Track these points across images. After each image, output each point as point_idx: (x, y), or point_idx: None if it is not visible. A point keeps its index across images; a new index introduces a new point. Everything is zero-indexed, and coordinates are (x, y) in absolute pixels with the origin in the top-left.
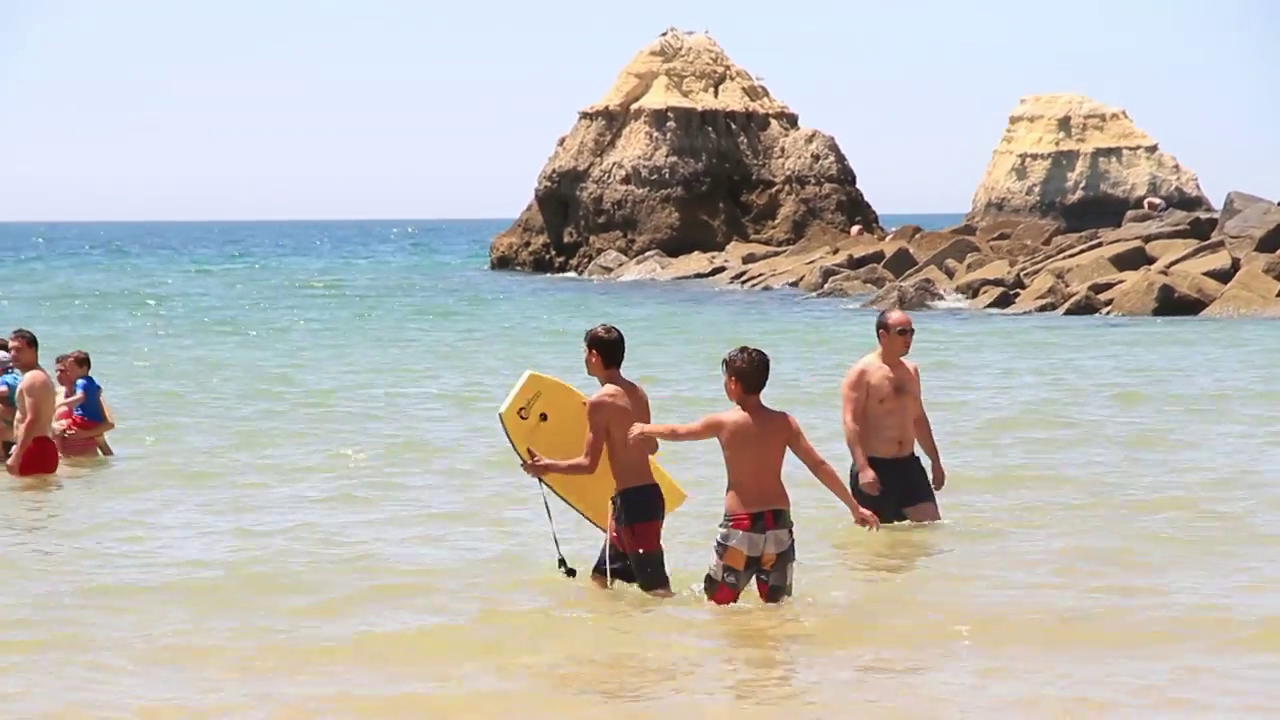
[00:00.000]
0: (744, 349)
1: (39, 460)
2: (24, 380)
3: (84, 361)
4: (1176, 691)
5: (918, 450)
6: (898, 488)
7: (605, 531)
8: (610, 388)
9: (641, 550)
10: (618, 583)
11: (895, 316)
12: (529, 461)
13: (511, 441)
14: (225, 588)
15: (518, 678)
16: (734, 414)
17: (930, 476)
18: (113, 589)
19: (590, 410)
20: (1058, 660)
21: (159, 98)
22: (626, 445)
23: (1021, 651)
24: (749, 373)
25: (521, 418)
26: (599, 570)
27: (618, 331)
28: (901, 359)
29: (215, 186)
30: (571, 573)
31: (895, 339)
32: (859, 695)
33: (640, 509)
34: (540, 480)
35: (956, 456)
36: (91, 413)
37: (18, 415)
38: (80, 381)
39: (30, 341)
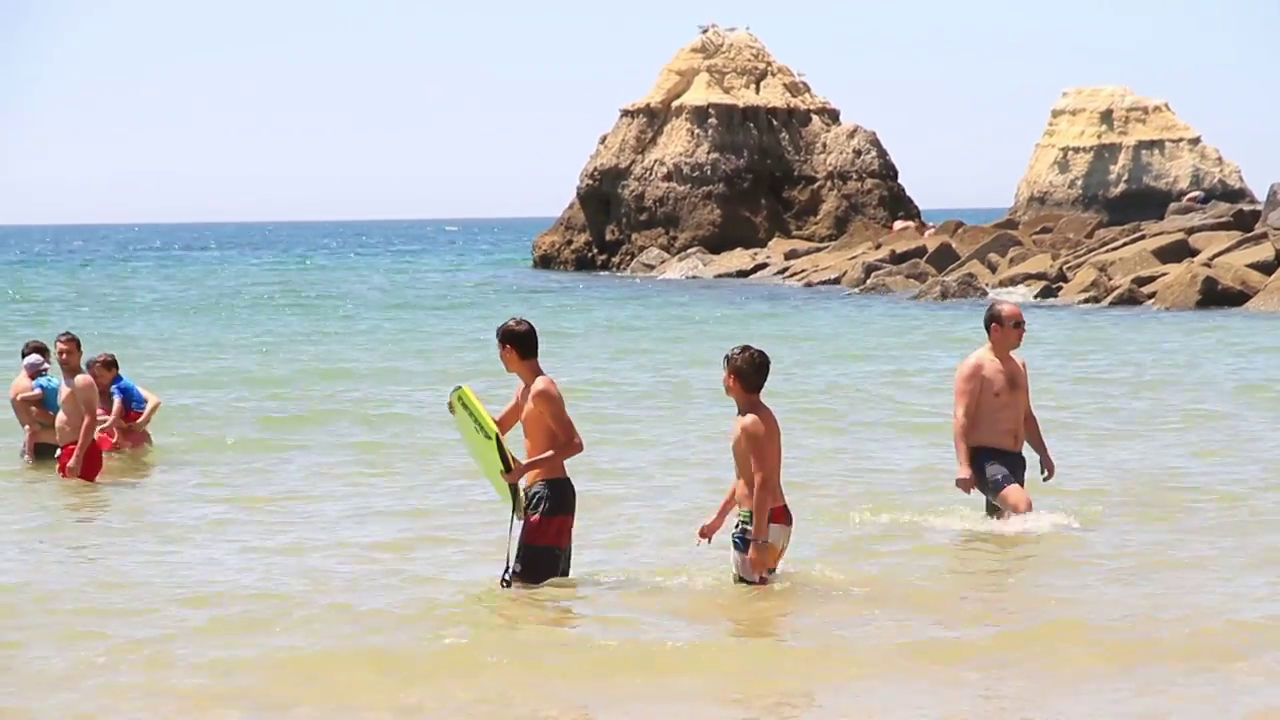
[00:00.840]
0: (746, 348)
1: (87, 465)
2: (77, 383)
3: (111, 364)
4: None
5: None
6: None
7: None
8: (546, 377)
9: (546, 543)
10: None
11: (1008, 309)
12: (516, 467)
13: (502, 452)
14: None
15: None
16: (759, 415)
17: (1042, 471)
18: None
19: (551, 395)
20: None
21: (188, 97)
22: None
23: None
24: (749, 372)
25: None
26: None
27: (528, 323)
28: (1011, 354)
29: (256, 185)
30: (508, 584)
31: (1010, 331)
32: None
33: (562, 500)
34: (515, 487)
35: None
36: (136, 402)
37: (60, 417)
38: (113, 386)
39: (79, 345)
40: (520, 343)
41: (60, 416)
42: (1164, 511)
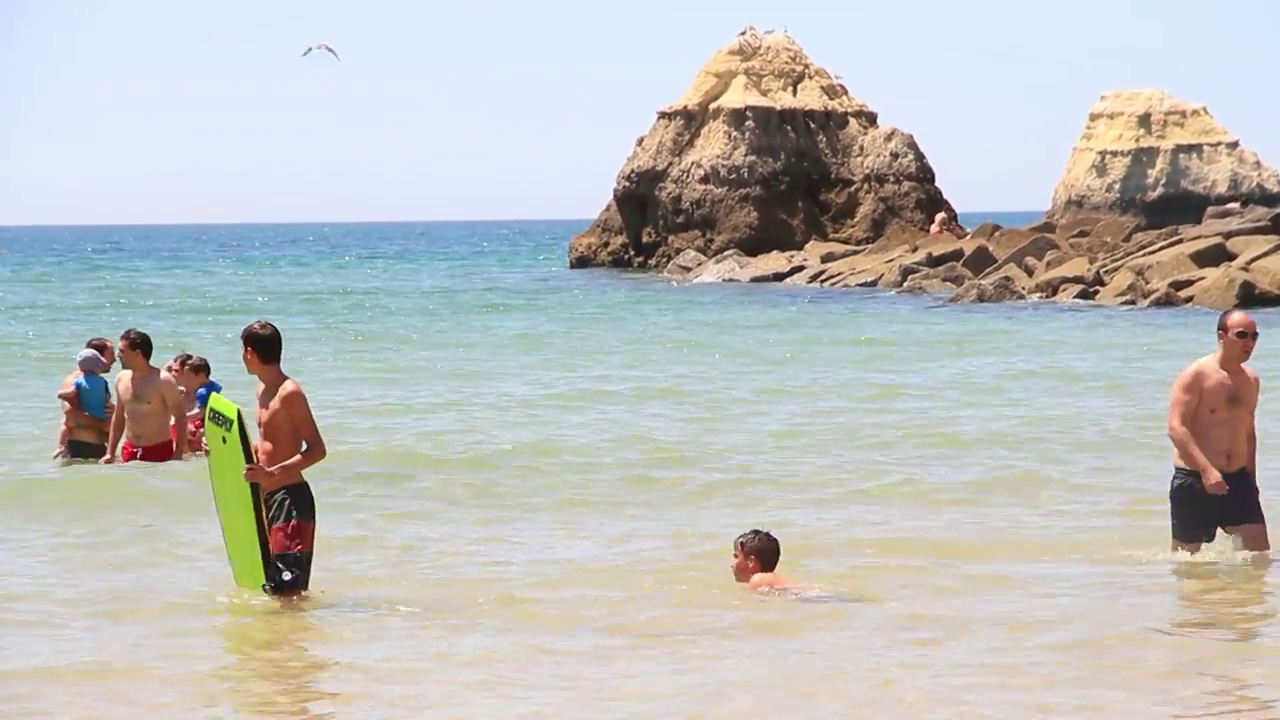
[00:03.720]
0: (756, 531)
1: (159, 449)
2: (163, 380)
3: (201, 368)
4: None
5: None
6: (1219, 504)
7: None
8: (294, 380)
9: (304, 549)
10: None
11: (1236, 318)
12: (258, 466)
13: (245, 441)
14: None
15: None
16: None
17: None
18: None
19: (301, 397)
20: None
21: (207, 96)
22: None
23: None
24: (768, 550)
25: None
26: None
27: (273, 327)
28: (1242, 366)
29: (292, 186)
30: (277, 589)
31: (1234, 343)
32: None
33: (309, 505)
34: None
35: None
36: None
37: (129, 413)
38: (200, 390)
39: (133, 344)
40: (261, 346)
41: (130, 412)
42: None
